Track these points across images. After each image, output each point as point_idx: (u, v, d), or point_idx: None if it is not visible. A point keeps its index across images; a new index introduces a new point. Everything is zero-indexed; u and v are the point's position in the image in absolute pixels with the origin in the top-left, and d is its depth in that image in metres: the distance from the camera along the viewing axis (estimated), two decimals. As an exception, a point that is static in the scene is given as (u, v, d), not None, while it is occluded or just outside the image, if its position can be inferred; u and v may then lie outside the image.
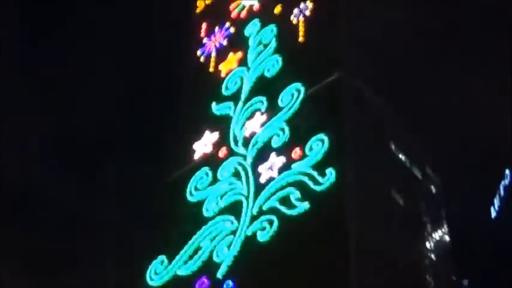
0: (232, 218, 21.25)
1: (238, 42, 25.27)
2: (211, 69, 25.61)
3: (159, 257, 21.83)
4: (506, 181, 24.42)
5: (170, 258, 21.62)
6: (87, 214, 28.59)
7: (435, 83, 24.16)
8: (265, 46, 24.34)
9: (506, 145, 24.35)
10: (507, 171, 24.64)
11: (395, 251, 19.76)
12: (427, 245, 21.99)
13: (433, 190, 23.10)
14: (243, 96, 23.65)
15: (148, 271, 21.71)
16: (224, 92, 24.28)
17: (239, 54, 24.85)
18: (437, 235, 22.40)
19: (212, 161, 22.98)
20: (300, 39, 23.58)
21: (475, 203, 23.96)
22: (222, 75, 24.84)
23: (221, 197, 21.97)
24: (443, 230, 22.77)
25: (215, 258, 20.77)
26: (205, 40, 26.78)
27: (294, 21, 23.96)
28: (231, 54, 25.14)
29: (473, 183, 23.80)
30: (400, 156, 22.14)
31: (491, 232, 24.00)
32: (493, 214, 24.24)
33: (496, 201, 24.37)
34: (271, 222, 20.36)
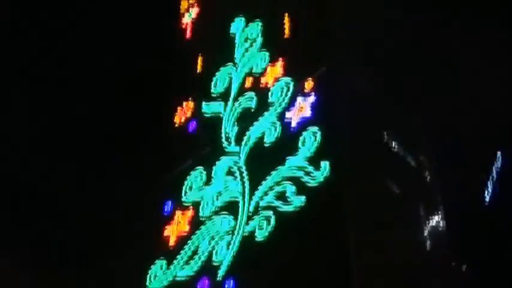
0: (229, 217, 21.27)
1: (224, 39, 25.10)
2: (199, 69, 25.53)
3: (158, 260, 21.86)
4: (498, 164, 24.48)
5: (169, 261, 21.64)
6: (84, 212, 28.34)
7: (428, 69, 24.12)
8: (252, 42, 24.26)
9: (498, 127, 24.39)
10: (499, 154, 24.71)
11: (393, 240, 19.79)
12: (425, 232, 22.03)
13: (428, 177, 23.13)
14: (232, 94, 23.59)
15: (148, 276, 21.69)
16: (214, 91, 24.20)
17: (226, 51, 24.74)
18: (434, 222, 22.42)
19: (205, 161, 22.96)
20: (287, 33, 23.53)
21: (470, 187, 23.98)
22: (210, 74, 24.74)
23: (217, 197, 22.01)
24: (439, 216, 22.78)
25: (214, 259, 20.78)
26: (191, 40, 26.70)
27: (279, 16, 23.87)
28: (218, 52, 25.02)
29: (467, 168, 23.82)
30: (394, 144, 22.17)
31: (487, 216, 24.05)
32: (487, 198, 24.30)
33: (490, 185, 24.42)
34: (268, 219, 20.34)
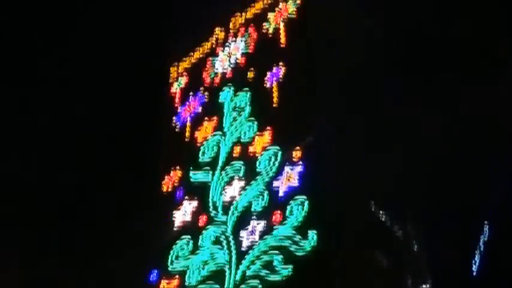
0: (215, 286, 21.10)
1: (212, 108, 25.32)
2: (187, 137, 25.60)
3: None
4: (485, 236, 24.53)
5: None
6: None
7: (416, 137, 24.36)
8: (240, 111, 24.40)
9: (486, 199, 24.56)
10: (486, 226, 24.76)
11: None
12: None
13: (415, 248, 23.15)
14: (220, 163, 23.61)
15: None
16: (201, 160, 24.23)
17: (214, 120, 24.87)
18: (421, 293, 22.40)
19: (192, 229, 22.86)
20: (274, 103, 23.72)
21: (457, 259, 23.98)
22: (198, 142, 24.83)
23: (203, 266, 21.86)
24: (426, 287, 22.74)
25: (202, 330, 20.61)
26: (179, 108, 26.82)
27: (268, 86, 24.10)
28: (206, 121, 25.16)
29: (455, 239, 23.86)
30: (381, 215, 22.22)
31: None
32: (475, 270, 24.26)
33: (477, 257, 24.41)
34: (255, 288, 20.32)
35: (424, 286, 22.48)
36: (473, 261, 24.26)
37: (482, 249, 24.24)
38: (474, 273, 24.19)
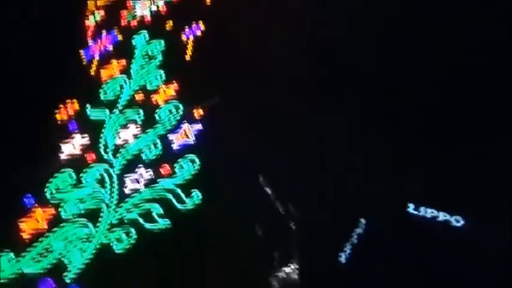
0: (89, 223, 20.98)
1: (123, 50, 24.81)
2: (92, 73, 25.15)
3: (5, 253, 21.20)
4: (360, 229, 25.12)
5: (17, 255, 21.02)
6: None
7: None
8: (151, 59, 24.12)
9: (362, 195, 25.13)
10: (362, 220, 25.34)
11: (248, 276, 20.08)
12: (275, 278, 22.30)
13: (293, 227, 23.49)
14: (120, 105, 23.37)
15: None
16: (102, 98, 23.82)
17: (123, 62, 24.32)
18: (287, 270, 22.74)
19: (78, 164, 22.50)
20: (187, 58, 23.59)
21: (329, 246, 24.48)
22: (102, 80, 24.40)
23: (81, 201, 21.65)
24: (293, 267, 23.12)
25: (65, 261, 20.38)
26: (90, 42, 26.26)
27: (184, 40, 23.93)
28: (114, 61, 24.64)
29: (331, 226, 24.35)
30: (266, 189, 22.46)
31: (340, 277, 24.58)
32: (343, 260, 24.83)
33: (348, 248, 24.98)
34: (128, 234, 20.28)
35: (290, 265, 22.86)
36: (344, 251, 24.86)
37: (355, 241, 24.86)
38: (343, 263, 24.79)
